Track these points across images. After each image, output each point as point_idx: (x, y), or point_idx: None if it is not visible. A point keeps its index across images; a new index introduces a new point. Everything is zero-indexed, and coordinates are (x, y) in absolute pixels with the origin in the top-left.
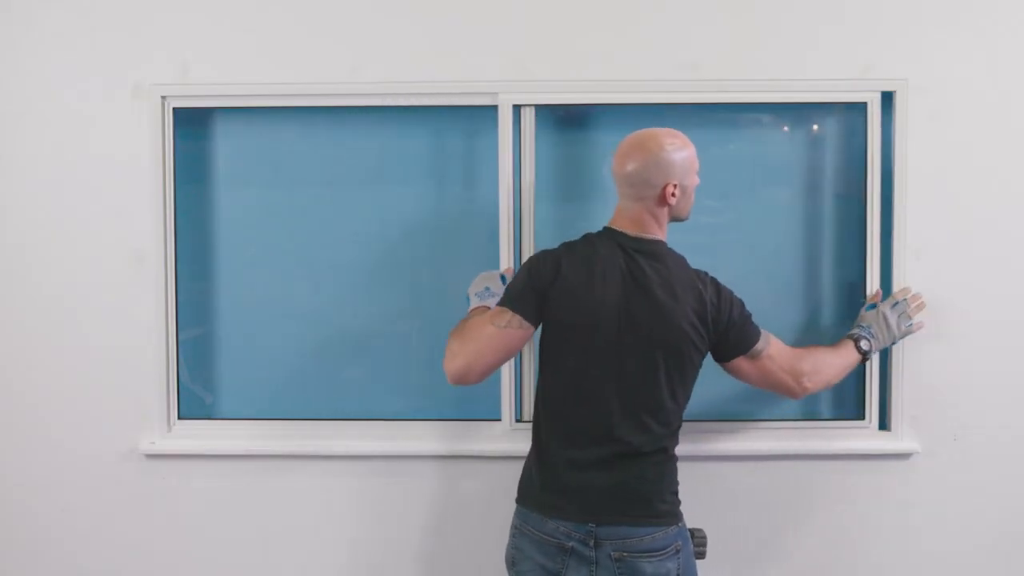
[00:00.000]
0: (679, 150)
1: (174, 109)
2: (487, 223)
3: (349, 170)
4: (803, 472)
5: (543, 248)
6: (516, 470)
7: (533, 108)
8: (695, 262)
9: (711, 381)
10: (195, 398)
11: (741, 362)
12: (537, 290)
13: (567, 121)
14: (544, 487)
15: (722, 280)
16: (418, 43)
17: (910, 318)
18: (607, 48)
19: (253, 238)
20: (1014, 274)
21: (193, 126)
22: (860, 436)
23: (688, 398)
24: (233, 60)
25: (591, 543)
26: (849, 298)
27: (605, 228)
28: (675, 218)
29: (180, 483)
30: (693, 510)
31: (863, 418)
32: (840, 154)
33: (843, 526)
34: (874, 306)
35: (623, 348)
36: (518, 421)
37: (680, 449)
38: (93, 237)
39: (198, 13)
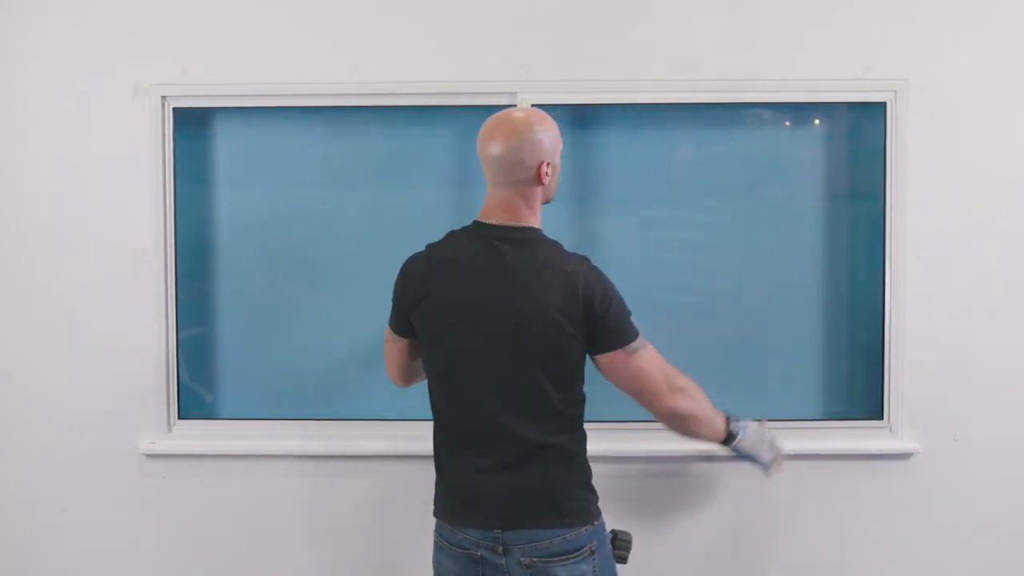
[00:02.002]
0: (547, 129)
1: (174, 109)
2: None
3: (349, 170)
4: (803, 472)
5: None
6: None
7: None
8: (698, 260)
9: (709, 380)
10: (195, 398)
11: (615, 357)
12: (401, 302)
13: (573, 121)
14: (447, 496)
15: (726, 277)
16: (422, 43)
17: (764, 463)
18: (614, 49)
19: (253, 238)
20: (1014, 274)
21: (193, 126)
22: (860, 436)
23: (578, 388)
24: (233, 60)
25: (499, 550)
26: (851, 297)
27: (474, 222)
28: (546, 199)
29: (180, 483)
30: (692, 510)
31: (871, 418)
32: (842, 154)
33: (843, 526)
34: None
35: (492, 345)
36: None
37: (678, 449)
38: (93, 237)
39: (198, 13)
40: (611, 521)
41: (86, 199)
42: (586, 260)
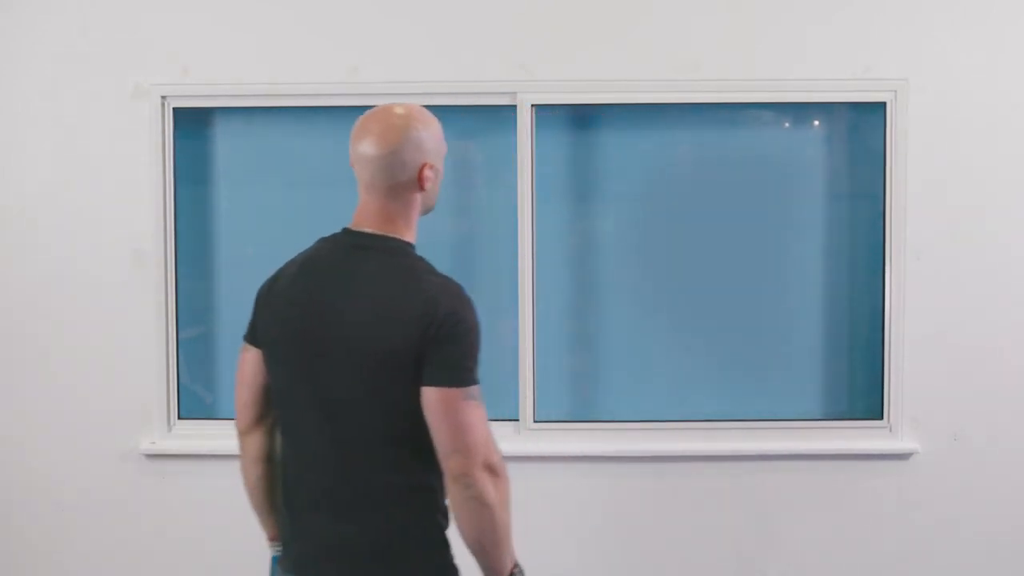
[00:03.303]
0: (430, 128)
1: (174, 109)
2: (486, 222)
3: (349, 170)
4: (803, 472)
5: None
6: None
7: (533, 108)
8: (697, 260)
9: (710, 380)
10: (195, 398)
11: (449, 395)
12: (255, 307)
13: (567, 122)
14: (281, 532)
15: (726, 277)
16: (422, 43)
17: None
18: (614, 49)
19: (253, 238)
20: (1013, 274)
21: (193, 126)
22: (860, 436)
23: (421, 421)
24: (233, 60)
25: None
26: (851, 297)
27: (343, 229)
28: (426, 208)
29: (180, 483)
30: (692, 510)
31: (871, 418)
32: (842, 154)
33: (843, 525)
34: None
35: (326, 361)
36: (537, 421)
37: (677, 448)
38: (93, 237)
39: (198, 13)
40: (610, 521)
41: (86, 199)
42: (452, 283)
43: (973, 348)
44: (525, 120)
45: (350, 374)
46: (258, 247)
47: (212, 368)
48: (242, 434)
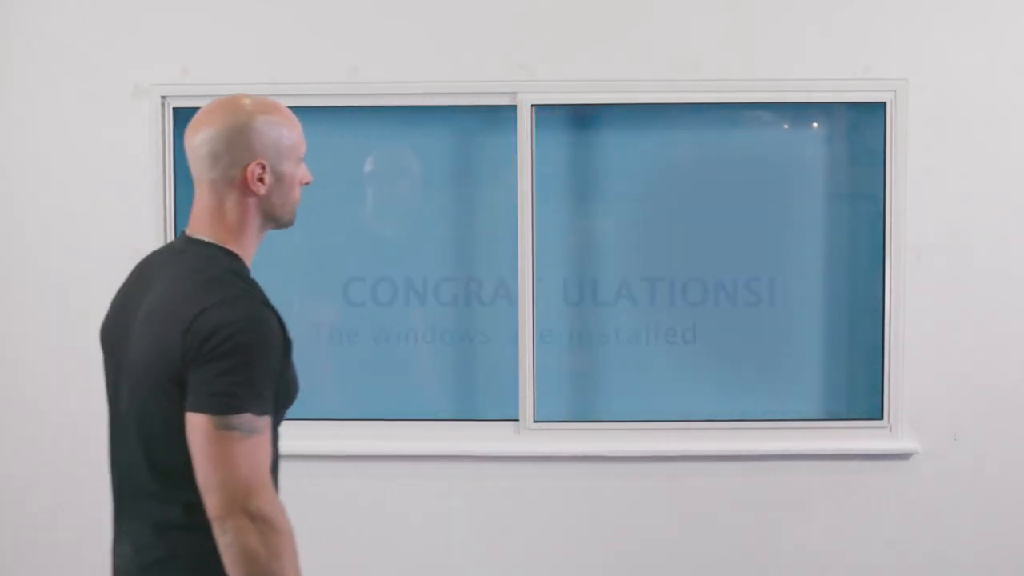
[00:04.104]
0: (276, 124)
1: (174, 109)
2: (486, 222)
3: (349, 170)
4: (803, 472)
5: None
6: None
7: (533, 108)
8: (697, 260)
9: (709, 379)
10: None
11: (199, 424)
12: None
13: (566, 122)
14: None
15: (725, 277)
16: (422, 43)
17: None
18: (614, 49)
19: None
20: (1013, 274)
21: None
22: (860, 436)
23: (185, 464)
24: (233, 60)
25: None
26: (851, 297)
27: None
28: (271, 217)
29: None
30: (692, 510)
31: (871, 418)
32: (842, 154)
33: (843, 525)
34: None
35: (115, 382)
36: (537, 421)
37: (677, 448)
38: (93, 237)
39: (198, 13)
40: (610, 521)
41: (86, 199)
42: (247, 299)
43: (973, 348)
44: (525, 120)
45: (126, 394)
46: (257, 247)
47: None
48: None
